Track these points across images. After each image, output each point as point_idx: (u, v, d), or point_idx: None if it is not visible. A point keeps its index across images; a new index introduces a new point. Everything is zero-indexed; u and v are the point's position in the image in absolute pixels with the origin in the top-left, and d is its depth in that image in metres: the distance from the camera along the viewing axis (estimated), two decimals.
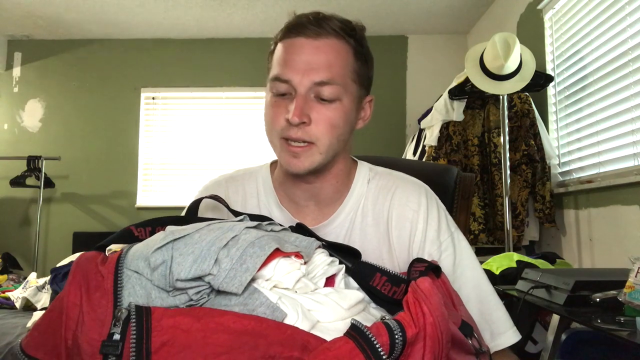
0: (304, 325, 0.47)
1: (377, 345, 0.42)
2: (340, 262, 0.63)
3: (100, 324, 0.46)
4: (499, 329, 0.76)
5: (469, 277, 0.78)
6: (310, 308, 0.50)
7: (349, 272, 0.63)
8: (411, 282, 0.50)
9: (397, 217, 0.79)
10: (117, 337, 0.43)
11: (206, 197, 0.77)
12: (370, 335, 0.42)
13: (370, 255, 0.78)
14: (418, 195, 0.81)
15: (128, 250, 0.53)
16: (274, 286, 0.52)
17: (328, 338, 0.45)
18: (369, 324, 0.45)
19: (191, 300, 0.49)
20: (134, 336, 0.43)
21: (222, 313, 0.46)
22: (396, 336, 0.43)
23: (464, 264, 0.78)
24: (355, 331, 0.43)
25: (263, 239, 0.54)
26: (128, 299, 0.48)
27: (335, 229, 0.80)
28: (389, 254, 0.78)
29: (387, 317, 0.47)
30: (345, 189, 0.83)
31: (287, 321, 0.47)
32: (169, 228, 0.55)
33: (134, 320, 0.44)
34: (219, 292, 0.49)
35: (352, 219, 0.81)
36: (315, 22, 0.74)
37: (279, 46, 0.77)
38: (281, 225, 0.67)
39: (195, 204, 0.76)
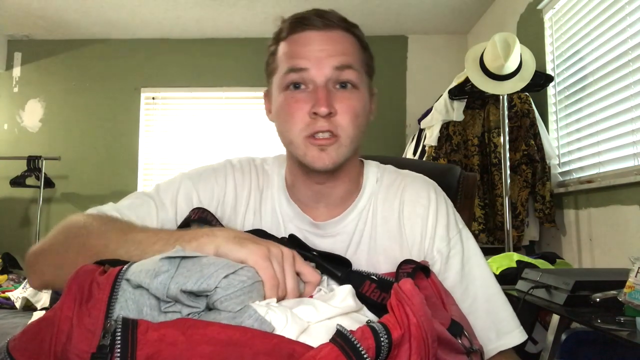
0: (292, 330, 0.47)
1: (362, 352, 0.42)
2: (331, 272, 0.64)
3: (91, 335, 0.45)
4: (505, 328, 0.75)
5: (477, 275, 0.78)
6: (298, 310, 0.51)
7: (338, 281, 0.63)
8: (394, 285, 0.50)
9: (409, 213, 0.79)
10: (105, 350, 0.43)
11: (194, 217, 0.72)
12: (355, 341, 0.42)
13: (382, 253, 0.78)
14: (427, 192, 0.81)
15: (132, 264, 0.53)
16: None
17: (317, 339, 0.45)
18: (359, 325, 0.45)
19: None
20: (119, 350, 0.43)
21: (207, 324, 0.45)
22: (382, 339, 0.43)
23: (471, 262, 0.78)
24: (340, 337, 0.43)
25: None
26: (119, 312, 0.48)
27: (345, 227, 0.80)
28: (402, 252, 0.78)
29: (372, 320, 0.47)
30: (356, 189, 0.82)
31: (275, 326, 0.47)
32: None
33: (119, 332, 0.43)
34: (210, 309, 0.50)
35: (365, 217, 0.80)
36: (319, 15, 0.74)
37: (284, 44, 0.75)
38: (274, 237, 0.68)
39: (186, 222, 0.74)
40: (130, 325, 0.44)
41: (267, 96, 0.82)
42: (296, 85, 0.73)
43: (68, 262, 0.65)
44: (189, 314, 0.49)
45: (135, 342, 0.43)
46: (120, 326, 0.44)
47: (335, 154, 0.73)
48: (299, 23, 0.74)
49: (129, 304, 0.49)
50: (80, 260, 0.63)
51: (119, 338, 0.43)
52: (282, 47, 0.76)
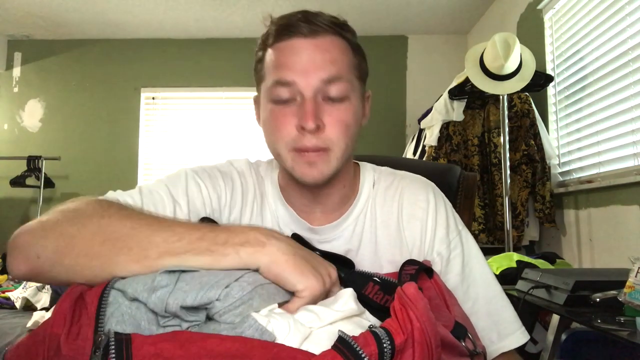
0: (295, 337, 0.46)
1: (365, 358, 0.42)
2: None
3: (82, 352, 0.44)
4: (507, 330, 0.75)
5: (478, 276, 0.77)
6: (300, 316, 0.50)
7: (341, 281, 0.62)
8: (397, 289, 0.49)
9: (408, 216, 0.78)
10: None
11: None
12: (357, 348, 0.42)
13: (382, 257, 0.77)
14: (426, 193, 0.79)
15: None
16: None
17: (320, 345, 0.45)
18: (361, 330, 0.45)
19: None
20: None
21: (205, 337, 0.45)
22: (384, 344, 0.43)
23: (472, 263, 0.77)
24: (342, 344, 0.43)
25: (270, 286, 0.54)
26: (116, 327, 0.47)
27: (343, 232, 0.78)
28: (402, 255, 0.76)
29: (375, 325, 0.46)
30: (352, 194, 0.80)
31: (278, 334, 0.46)
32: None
33: (113, 349, 0.42)
34: (209, 319, 0.49)
35: (362, 222, 0.79)
36: (306, 20, 0.70)
37: (271, 51, 0.72)
38: None
39: None
40: (124, 341, 0.43)
41: (257, 102, 0.80)
42: (284, 98, 0.71)
43: (79, 245, 0.55)
44: (188, 328, 0.48)
45: (131, 358, 0.42)
46: (113, 342, 0.43)
47: (326, 168, 0.71)
48: (285, 30, 0.71)
49: (125, 318, 0.48)
50: (97, 242, 0.54)
51: (113, 354, 0.42)
52: (269, 55, 0.73)
